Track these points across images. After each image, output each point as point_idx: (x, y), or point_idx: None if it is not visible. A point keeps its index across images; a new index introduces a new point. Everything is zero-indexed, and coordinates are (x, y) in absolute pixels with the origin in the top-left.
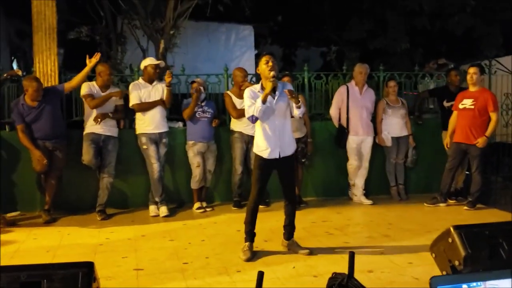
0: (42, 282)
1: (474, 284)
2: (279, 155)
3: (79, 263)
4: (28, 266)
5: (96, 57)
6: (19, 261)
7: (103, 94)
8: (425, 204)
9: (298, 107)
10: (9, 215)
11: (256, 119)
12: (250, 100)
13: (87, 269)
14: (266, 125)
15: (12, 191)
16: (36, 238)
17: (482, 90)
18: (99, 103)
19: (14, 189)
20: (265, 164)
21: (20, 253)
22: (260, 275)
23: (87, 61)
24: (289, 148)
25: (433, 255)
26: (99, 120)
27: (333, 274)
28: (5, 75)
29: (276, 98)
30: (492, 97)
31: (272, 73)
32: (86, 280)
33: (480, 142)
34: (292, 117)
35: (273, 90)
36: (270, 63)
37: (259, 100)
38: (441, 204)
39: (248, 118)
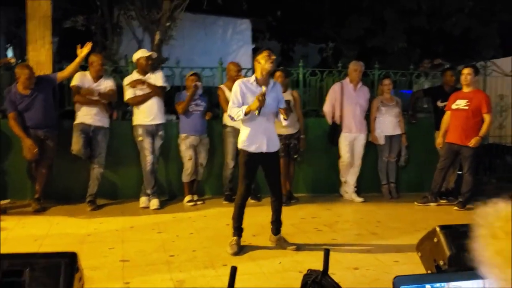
0: (24, 271)
1: (438, 285)
2: (263, 150)
3: (62, 253)
4: (10, 254)
5: (87, 46)
6: (6, 249)
7: (95, 84)
8: (415, 203)
9: (285, 120)
10: None
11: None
12: (237, 98)
13: (70, 259)
14: (252, 120)
15: (3, 179)
16: (24, 227)
17: (476, 91)
18: (81, 102)
19: (5, 177)
20: (250, 159)
21: (7, 241)
22: (233, 270)
23: (78, 51)
24: (273, 145)
25: (419, 254)
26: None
27: (308, 270)
28: None
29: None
30: (486, 99)
31: (264, 88)
32: (69, 270)
33: (473, 142)
34: None
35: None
36: (273, 56)
37: (243, 111)
38: (432, 204)
39: (228, 115)
